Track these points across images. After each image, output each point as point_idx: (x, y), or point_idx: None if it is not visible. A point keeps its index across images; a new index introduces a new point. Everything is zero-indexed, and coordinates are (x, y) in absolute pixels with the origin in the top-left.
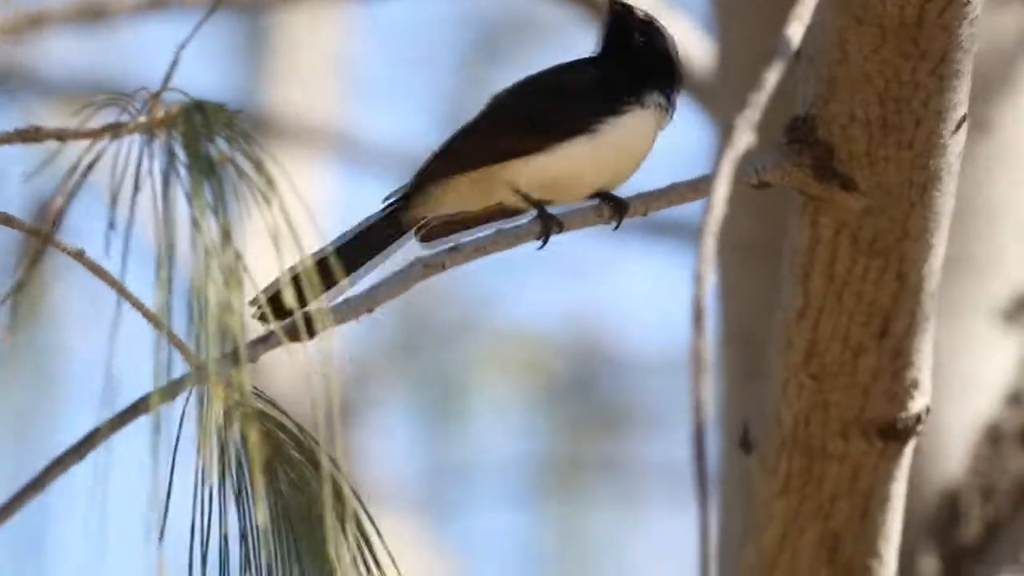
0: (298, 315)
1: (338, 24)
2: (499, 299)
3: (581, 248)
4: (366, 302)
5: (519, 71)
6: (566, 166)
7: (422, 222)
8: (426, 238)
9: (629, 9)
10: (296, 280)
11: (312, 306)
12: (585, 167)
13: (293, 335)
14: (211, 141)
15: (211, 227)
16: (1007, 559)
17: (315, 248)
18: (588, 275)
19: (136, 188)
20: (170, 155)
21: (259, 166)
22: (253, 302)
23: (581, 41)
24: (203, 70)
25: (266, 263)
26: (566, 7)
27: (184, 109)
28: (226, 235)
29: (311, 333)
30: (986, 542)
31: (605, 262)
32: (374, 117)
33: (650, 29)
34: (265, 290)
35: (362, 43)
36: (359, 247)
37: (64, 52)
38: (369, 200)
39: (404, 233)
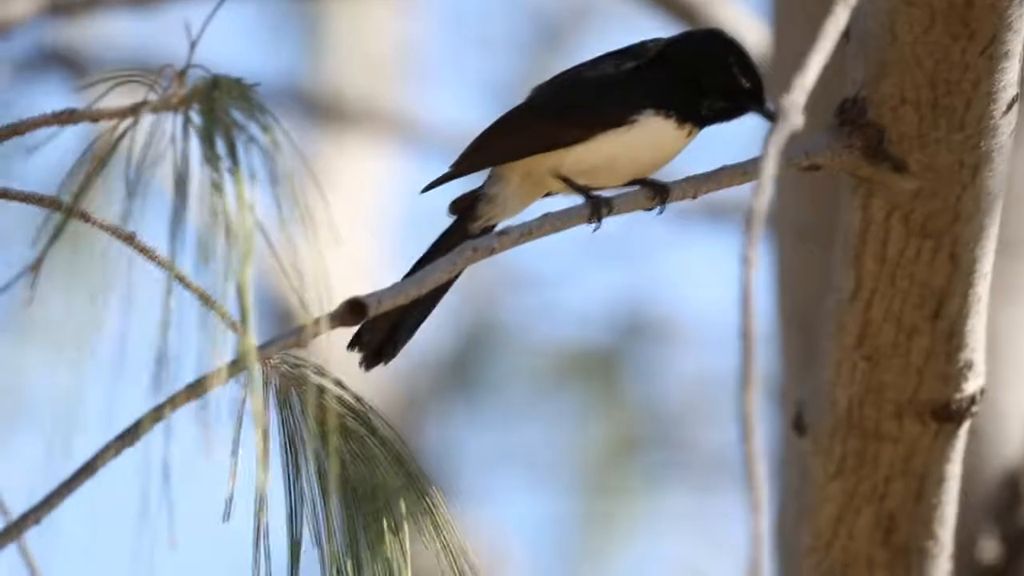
0: (346, 300)
1: (398, 7)
2: (563, 284)
3: (642, 234)
4: (416, 285)
5: (578, 56)
6: (604, 156)
7: (491, 226)
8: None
9: (721, 38)
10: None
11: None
12: (621, 157)
13: (345, 320)
14: (226, 113)
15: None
16: None
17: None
18: (652, 261)
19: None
20: (187, 128)
21: (272, 136)
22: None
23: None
24: (263, 53)
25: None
26: None
27: (204, 84)
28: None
29: (363, 317)
30: None
31: (669, 247)
32: (433, 100)
33: (729, 61)
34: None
35: (422, 26)
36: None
37: (115, 35)
38: (423, 179)
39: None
